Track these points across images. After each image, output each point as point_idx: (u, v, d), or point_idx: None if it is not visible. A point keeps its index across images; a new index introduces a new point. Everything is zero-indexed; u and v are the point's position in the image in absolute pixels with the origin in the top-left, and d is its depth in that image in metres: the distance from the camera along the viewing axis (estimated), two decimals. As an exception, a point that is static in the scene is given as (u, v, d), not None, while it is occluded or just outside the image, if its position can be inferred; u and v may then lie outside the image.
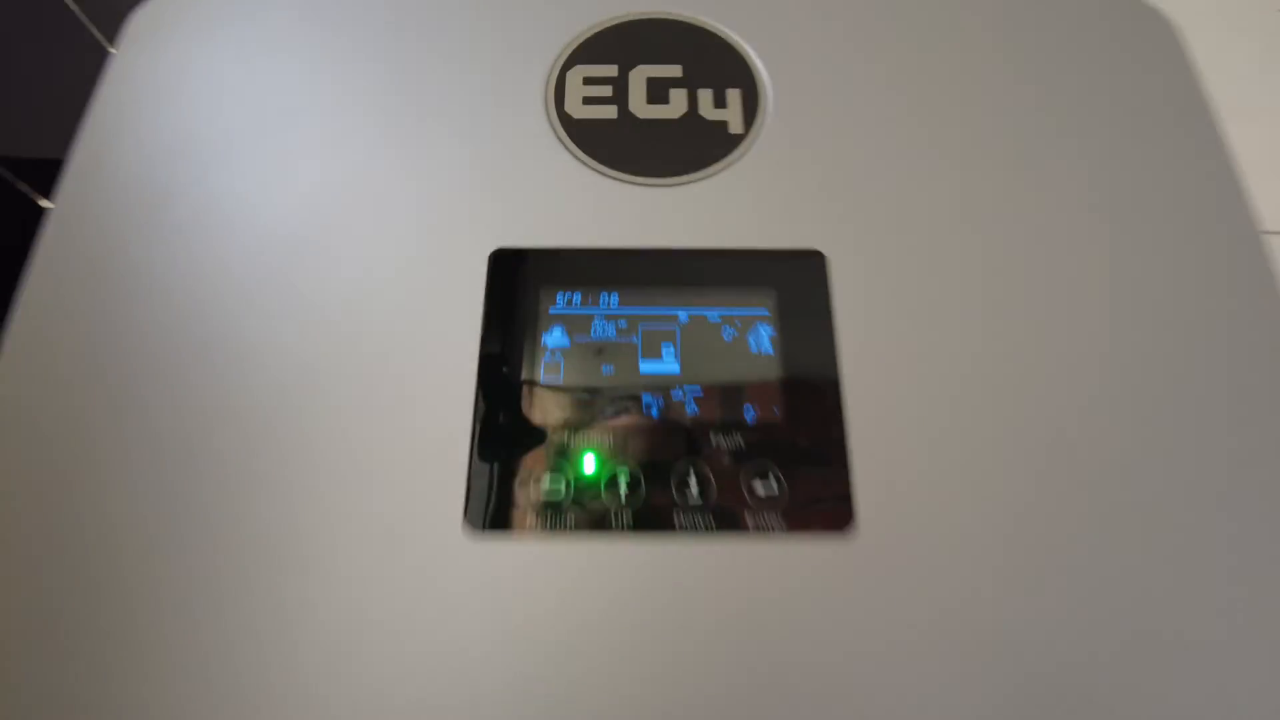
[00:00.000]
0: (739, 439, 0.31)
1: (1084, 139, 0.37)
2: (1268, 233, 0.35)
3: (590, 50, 0.39)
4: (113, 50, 0.41)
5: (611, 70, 0.38)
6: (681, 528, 0.29)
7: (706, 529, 0.29)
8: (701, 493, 0.30)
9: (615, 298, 0.33)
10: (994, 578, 0.29)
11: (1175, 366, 0.32)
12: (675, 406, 0.31)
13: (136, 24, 0.41)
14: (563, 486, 0.30)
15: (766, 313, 0.33)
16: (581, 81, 0.38)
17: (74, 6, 0.54)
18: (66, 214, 0.35)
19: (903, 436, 0.31)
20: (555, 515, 0.29)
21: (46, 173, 0.38)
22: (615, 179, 0.36)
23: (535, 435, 0.31)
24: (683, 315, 0.33)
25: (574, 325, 0.33)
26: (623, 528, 0.29)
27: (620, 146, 0.36)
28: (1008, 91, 0.38)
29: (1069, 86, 0.38)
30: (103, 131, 0.37)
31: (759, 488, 0.30)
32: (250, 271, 0.33)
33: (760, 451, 0.30)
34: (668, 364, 0.32)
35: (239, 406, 0.31)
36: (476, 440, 0.30)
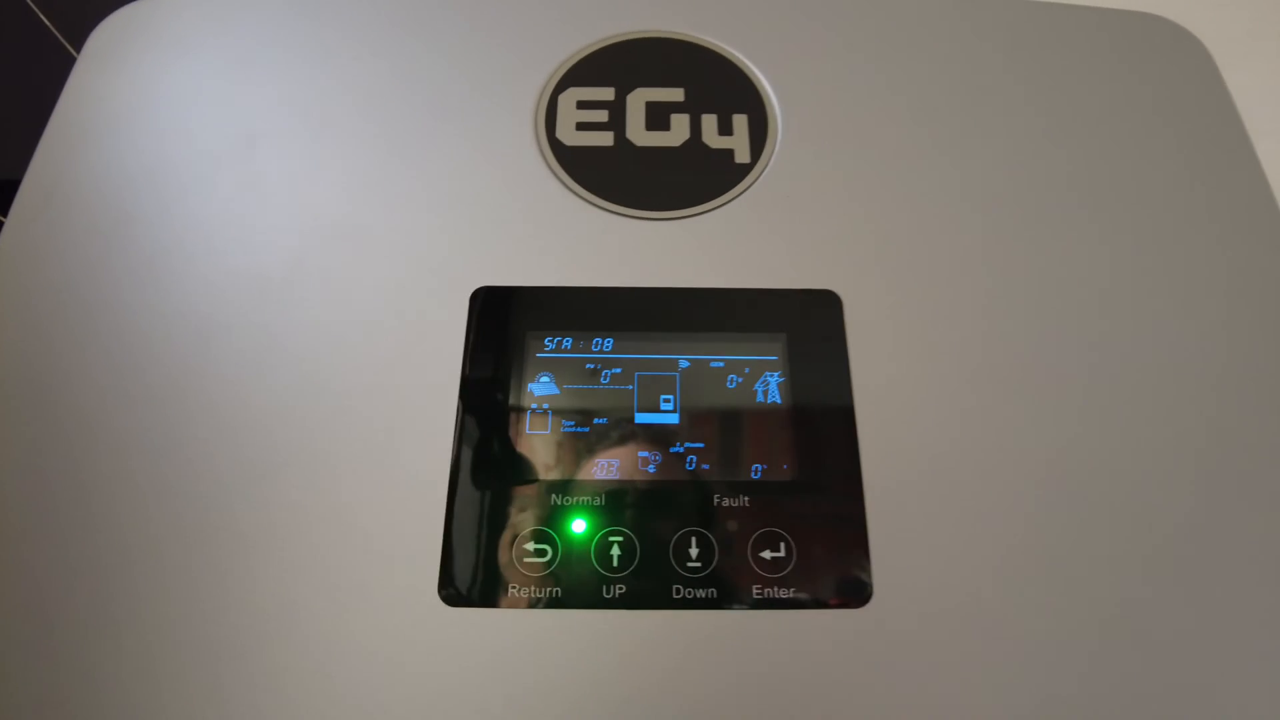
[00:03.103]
0: (745, 501, 0.28)
1: (1114, 166, 0.35)
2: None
3: (584, 71, 0.37)
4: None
5: (607, 93, 0.36)
6: (680, 601, 0.27)
7: (708, 602, 0.27)
8: (703, 562, 0.27)
9: (609, 342, 0.31)
10: (1028, 656, 0.26)
11: (1224, 429, 0.30)
12: (674, 463, 0.29)
13: (99, 37, 0.38)
14: (548, 553, 0.27)
15: (775, 358, 0.30)
16: (575, 105, 0.36)
17: (39, 11, 0.51)
18: (17, 241, 0.33)
19: (926, 496, 0.28)
20: (539, 586, 0.27)
21: (8, 193, 0.35)
22: (610, 212, 0.33)
23: (518, 495, 0.28)
24: (683, 361, 0.30)
25: (563, 371, 0.30)
26: (614, 599, 0.27)
27: (616, 176, 0.34)
28: (1034, 120, 0.36)
29: (1099, 113, 0.36)
30: (60, 152, 0.35)
31: (767, 556, 0.27)
32: (215, 311, 0.31)
33: (768, 515, 0.28)
34: (666, 415, 0.30)
35: (196, 457, 0.29)
36: (453, 500, 0.28)
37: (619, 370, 0.30)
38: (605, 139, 0.35)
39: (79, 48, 0.38)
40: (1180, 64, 0.38)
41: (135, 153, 0.35)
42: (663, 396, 0.30)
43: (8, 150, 0.49)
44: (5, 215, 0.34)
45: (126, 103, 0.36)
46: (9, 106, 0.51)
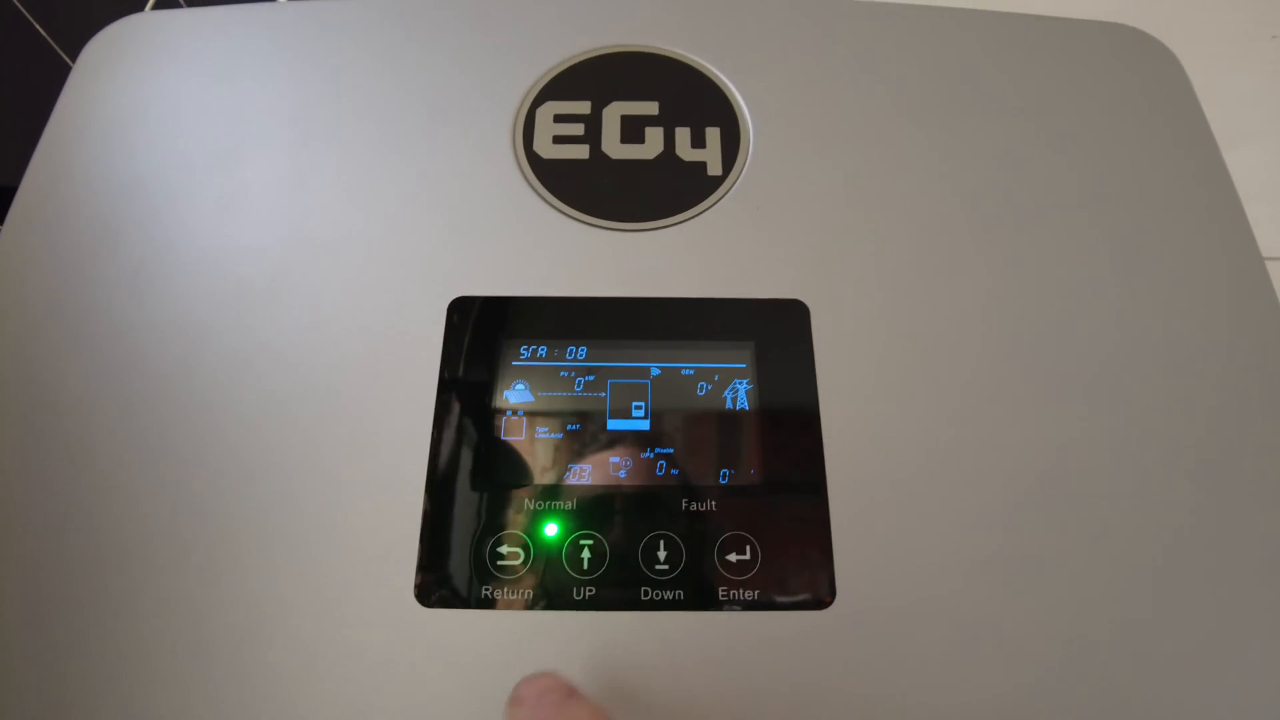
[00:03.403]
0: (712, 505, 0.29)
1: (1082, 175, 0.35)
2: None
3: (562, 85, 0.37)
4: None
5: (584, 107, 0.37)
6: (648, 603, 0.27)
7: (675, 604, 0.27)
8: (671, 565, 0.28)
9: (583, 350, 0.31)
10: (989, 660, 0.27)
11: (1185, 443, 0.30)
12: (645, 468, 0.29)
13: (95, 48, 0.39)
14: (521, 556, 0.28)
15: (744, 366, 0.31)
16: (552, 119, 0.36)
17: (35, 23, 0.52)
18: (13, 246, 0.34)
19: (889, 500, 0.29)
20: (512, 587, 0.27)
21: (4, 199, 0.36)
22: (585, 223, 0.34)
23: (493, 499, 0.29)
24: (654, 369, 0.31)
25: (538, 379, 0.31)
26: (585, 601, 0.27)
27: (591, 189, 0.35)
28: (1005, 131, 0.37)
29: (1068, 122, 0.37)
30: (55, 160, 0.36)
31: (733, 559, 0.28)
32: (205, 316, 0.32)
33: (735, 519, 0.29)
34: (638, 421, 0.30)
35: (184, 459, 0.29)
36: (429, 504, 0.28)
37: (592, 378, 0.31)
38: (581, 152, 0.36)
39: (75, 58, 0.39)
40: (1151, 73, 0.38)
41: (128, 161, 0.35)
42: (634, 403, 0.30)
43: (4, 158, 0.49)
44: (1, 221, 0.34)
45: (120, 112, 0.37)
46: (6, 115, 0.51)
